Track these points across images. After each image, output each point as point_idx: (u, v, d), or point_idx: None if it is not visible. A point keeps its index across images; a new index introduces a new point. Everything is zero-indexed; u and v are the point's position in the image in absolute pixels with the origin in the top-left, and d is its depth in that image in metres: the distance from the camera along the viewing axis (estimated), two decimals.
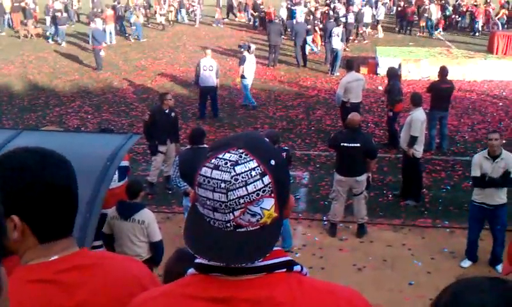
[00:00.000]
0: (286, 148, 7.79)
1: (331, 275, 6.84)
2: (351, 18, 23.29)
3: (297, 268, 1.33)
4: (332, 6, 26.15)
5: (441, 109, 10.98)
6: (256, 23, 27.87)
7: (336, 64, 18.06)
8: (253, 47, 14.61)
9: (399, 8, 27.16)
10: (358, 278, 6.83)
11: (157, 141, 9.30)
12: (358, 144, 7.58)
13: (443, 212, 8.60)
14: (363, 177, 7.76)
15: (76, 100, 15.43)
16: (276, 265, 1.31)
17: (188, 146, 7.35)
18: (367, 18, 24.71)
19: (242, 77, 14.09)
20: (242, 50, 14.73)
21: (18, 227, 1.44)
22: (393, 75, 11.47)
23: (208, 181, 1.29)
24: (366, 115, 13.32)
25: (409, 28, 26.16)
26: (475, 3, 27.71)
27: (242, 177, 1.26)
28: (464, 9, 28.31)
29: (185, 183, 6.79)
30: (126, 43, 24.29)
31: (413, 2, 27.48)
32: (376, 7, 26.47)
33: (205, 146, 7.07)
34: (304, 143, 11.83)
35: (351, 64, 11.98)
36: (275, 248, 1.33)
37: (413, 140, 8.62)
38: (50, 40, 24.42)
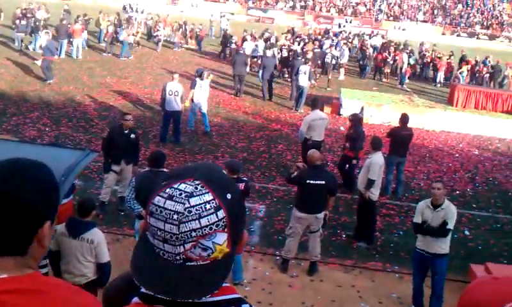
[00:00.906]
0: (245, 178, 7.77)
1: None
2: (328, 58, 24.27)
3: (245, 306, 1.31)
4: (301, 44, 26.63)
5: (400, 154, 11.21)
6: (227, 53, 28.08)
7: (301, 101, 18.30)
8: (205, 73, 14.70)
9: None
10: None
11: (110, 159, 9.16)
12: (323, 182, 7.63)
13: (394, 257, 8.71)
14: (322, 214, 7.80)
15: (35, 110, 15.08)
16: (224, 302, 1.27)
17: (147, 168, 7.25)
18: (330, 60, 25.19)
19: (192, 100, 14.23)
20: (196, 75, 14.87)
21: None
22: (358, 121, 11.63)
23: (161, 211, 1.25)
24: (326, 154, 13.48)
25: (378, 73, 26.88)
26: (439, 55, 28.73)
27: (196, 210, 1.23)
28: (429, 60, 29.29)
29: (139, 206, 6.67)
30: (92, 59, 24.03)
31: (383, 50, 28.45)
32: (339, 49, 27.04)
33: (165, 170, 6.99)
34: (264, 176, 11.85)
35: (315, 103, 12.16)
36: (225, 284, 1.29)
37: (370, 183, 8.75)
38: (17, 46, 24.00)
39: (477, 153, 15.65)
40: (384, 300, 7.40)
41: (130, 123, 9.38)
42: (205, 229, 1.23)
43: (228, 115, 16.84)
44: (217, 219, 1.24)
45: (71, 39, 23.87)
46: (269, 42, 25.27)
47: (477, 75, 27.18)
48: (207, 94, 14.55)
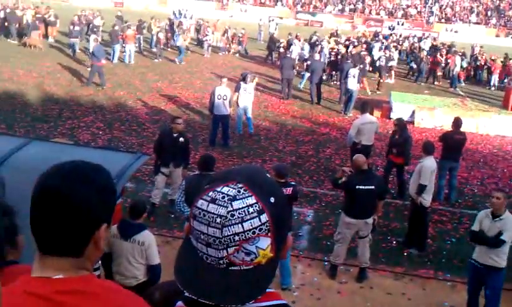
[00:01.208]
0: (293, 183, 7.73)
1: None
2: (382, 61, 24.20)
3: None
4: (350, 47, 26.36)
5: (452, 159, 10.92)
6: (275, 57, 28.13)
7: (350, 105, 18.10)
8: (249, 76, 14.75)
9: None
10: None
11: (160, 161, 9.31)
12: (373, 187, 7.53)
13: (447, 264, 8.47)
14: (372, 220, 7.69)
15: (89, 115, 15.52)
16: None
17: (197, 172, 7.33)
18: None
19: (237, 104, 14.28)
20: (241, 78, 14.95)
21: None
22: (403, 125, 11.33)
23: (204, 215, 1.25)
24: (375, 158, 13.28)
25: (432, 76, 26.22)
26: (493, 58, 27.85)
27: (239, 213, 1.22)
28: (483, 63, 28.42)
29: (189, 209, 6.74)
30: (144, 64, 24.55)
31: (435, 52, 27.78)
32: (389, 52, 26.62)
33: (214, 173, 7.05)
34: (312, 180, 11.77)
35: (365, 107, 12.00)
36: (270, 290, 1.28)
37: (421, 188, 8.55)
38: (72, 52, 24.79)
39: None
40: None
41: (180, 127, 9.51)
42: (248, 233, 1.22)
43: (276, 119, 16.85)
44: (260, 223, 1.22)
45: (124, 45, 24.46)
46: (319, 45, 25.07)
47: None
48: (251, 98, 14.59)
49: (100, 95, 17.96)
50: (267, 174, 1.36)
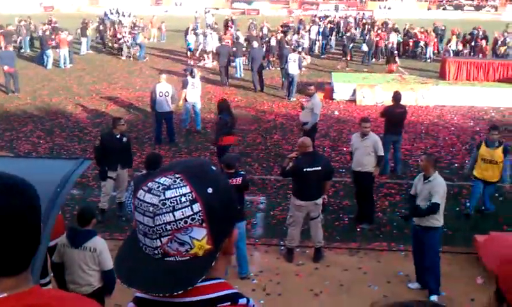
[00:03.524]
0: (242, 172, 7.73)
1: (288, 301, 6.80)
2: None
3: (242, 301, 1.28)
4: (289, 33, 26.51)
5: (395, 133, 11.19)
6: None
7: (292, 89, 18.25)
8: (195, 70, 14.64)
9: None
10: (315, 304, 6.81)
11: (106, 166, 9.13)
12: (319, 168, 7.61)
13: (398, 235, 8.71)
14: (321, 200, 7.78)
15: (27, 124, 15.01)
16: (219, 298, 1.24)
17: (144, 171, 7.22)
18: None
19: (185, 100, 14.14)
20: (187, 73, 14.80)
21: None
22: (223, 108, 11.02)
23: (141, 205, 1.24)
24: (322, 140, 13.45)
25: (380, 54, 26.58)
26: (427, 30, 28.53)
27: (171, 202, 1.21)
28: (418, 37, 28.98)
29: None
30: (80, 67, 23.91)
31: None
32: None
33: None
34: (262, 167, 11.82)
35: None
36: (220, 280, 1.27)
37: (380, 158, 9.01)
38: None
39: (472, 124, 15.65)
40: (392, 279, 7.40)
41: (123, 127, 9.35)
42: (179, 223, 1.20)
43: None
44: (192, 213, 1.21)
45: (57, 50, 23.75)
46: (259, 33, 25.19)
47: (475, 47, 26.57)
48: (199, 92, 14.48)
49: (37, 103, 17.38)
50: (212, 167, 1.34)
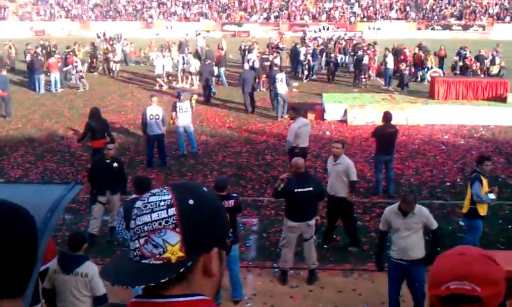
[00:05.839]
0: (235, 194, 7.70)
1: None
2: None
3: None
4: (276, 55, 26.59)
5: (387, 153, 11.23)
6: None
7: (282, 109, 18.35)
8: (183, 95, 14.60)
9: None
10: None
11: (95, 190, 9.09)
12: (311, 188, 7.60)
13: None
14: (314, 221, 7.76)
15: (19, 149, 14.93)
16: None
17: (133, 196, 7.18)
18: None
19: (174, 123, 14.12)
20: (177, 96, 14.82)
21: None
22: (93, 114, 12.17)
23: (133, 211, 1.36)
24: (314, 160, 13.47)
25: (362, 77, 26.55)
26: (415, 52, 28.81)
27: (151, 205, 1.29)
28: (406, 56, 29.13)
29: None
30: (72, 91, 23.90)
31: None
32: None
33: None
34: (255, 189, 11.79)
35: (298, 110, 12.17)
36: (202, 297, 1.29)
37: (353, 183, 8.89)
38: None
39: (463, 142, 15.74)
40: (387, 301, 7.34)
41: (111, 152, 9.32)
42: (154, 224, 1.27)
43: (213, 132, 16.79)
44: (166, 215, 1.27)
45: (48, 74, 23.74)
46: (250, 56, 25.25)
47: (469, 69, 26.53)
48: (189, 115, 14.40)
49: (28, 128, 17.32)
50: (204, 188, 1.39)
